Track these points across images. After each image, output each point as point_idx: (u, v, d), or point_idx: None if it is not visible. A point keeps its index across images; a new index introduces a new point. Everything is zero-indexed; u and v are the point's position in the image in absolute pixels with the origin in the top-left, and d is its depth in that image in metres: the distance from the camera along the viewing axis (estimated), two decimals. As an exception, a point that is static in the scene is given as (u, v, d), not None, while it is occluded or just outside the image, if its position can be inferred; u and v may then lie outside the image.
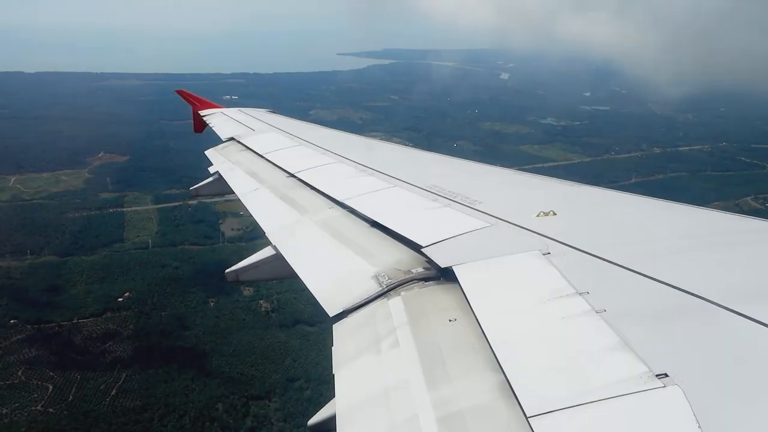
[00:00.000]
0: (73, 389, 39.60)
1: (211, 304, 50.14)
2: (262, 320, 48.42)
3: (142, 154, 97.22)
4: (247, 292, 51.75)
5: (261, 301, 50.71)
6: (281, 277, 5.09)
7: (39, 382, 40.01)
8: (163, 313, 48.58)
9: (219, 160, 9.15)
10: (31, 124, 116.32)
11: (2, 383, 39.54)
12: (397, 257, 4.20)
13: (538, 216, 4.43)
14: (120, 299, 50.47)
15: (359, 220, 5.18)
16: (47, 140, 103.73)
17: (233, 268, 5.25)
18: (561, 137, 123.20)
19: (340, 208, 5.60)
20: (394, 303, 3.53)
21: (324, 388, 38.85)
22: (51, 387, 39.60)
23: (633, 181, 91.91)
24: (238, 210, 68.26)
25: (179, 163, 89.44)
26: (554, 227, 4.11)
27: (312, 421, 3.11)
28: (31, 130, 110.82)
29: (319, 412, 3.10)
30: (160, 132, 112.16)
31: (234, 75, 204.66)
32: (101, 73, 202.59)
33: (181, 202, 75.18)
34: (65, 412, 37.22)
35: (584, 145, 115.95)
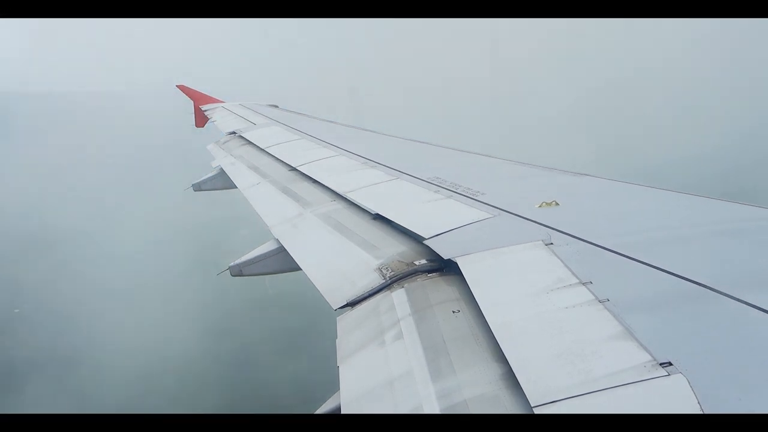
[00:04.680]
0: None
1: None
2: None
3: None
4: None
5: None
6: (284, 271, 5.10)
7: None
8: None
9: (221, 155, 9.17)
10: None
11: None
12: (400, 249, 4.20)
13: (540, 206, 4.42)
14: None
15: (362, 212, 5.18)
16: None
17: (236, 261, 5.26)
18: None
19: (342, 201, 5.60)
20: (398, 295, 3.53)
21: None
22: None
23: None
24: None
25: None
26: (557, 217, 4.10)
27: (317, 413, 3.12)
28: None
29: (324, 404, 3.11)
30: None
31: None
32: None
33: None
34: None
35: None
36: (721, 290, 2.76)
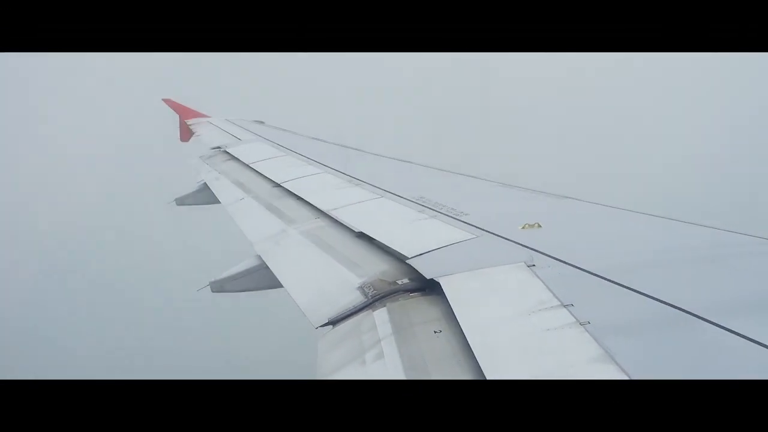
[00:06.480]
0: None
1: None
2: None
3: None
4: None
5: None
6: (265, 288, 5.05)
7: None
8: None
9: (204, 170, 9.12)
10: None
11: None
12: (383, 268, 4.18)
13: (523, 228, 4.44)
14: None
15: (345, 230, 5.16)
16: None
17: (217, 278, 5.20)
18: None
19: (326, 219, 5.58)
20: (379, 314, 3.51)
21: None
22: None
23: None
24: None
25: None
26: (539, 239, 4.12)
27: None
28: None
29: None
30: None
31: None
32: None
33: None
34: None
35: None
36: (700, 315, 2.78)
